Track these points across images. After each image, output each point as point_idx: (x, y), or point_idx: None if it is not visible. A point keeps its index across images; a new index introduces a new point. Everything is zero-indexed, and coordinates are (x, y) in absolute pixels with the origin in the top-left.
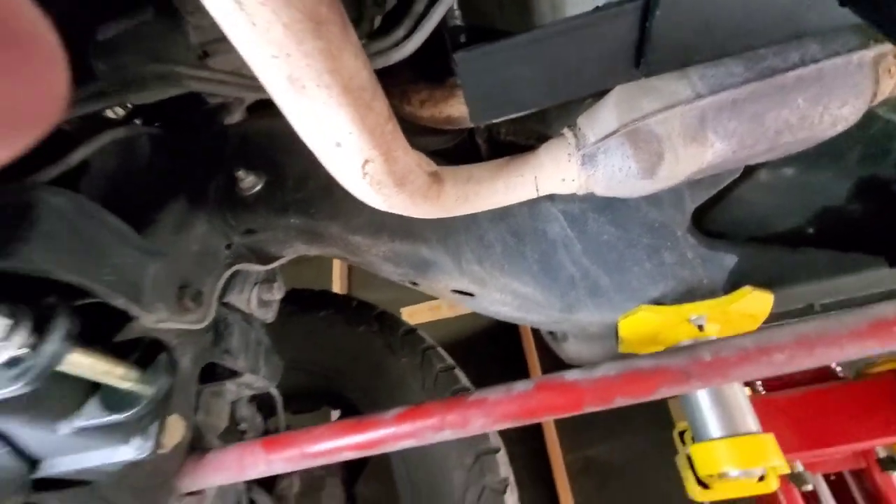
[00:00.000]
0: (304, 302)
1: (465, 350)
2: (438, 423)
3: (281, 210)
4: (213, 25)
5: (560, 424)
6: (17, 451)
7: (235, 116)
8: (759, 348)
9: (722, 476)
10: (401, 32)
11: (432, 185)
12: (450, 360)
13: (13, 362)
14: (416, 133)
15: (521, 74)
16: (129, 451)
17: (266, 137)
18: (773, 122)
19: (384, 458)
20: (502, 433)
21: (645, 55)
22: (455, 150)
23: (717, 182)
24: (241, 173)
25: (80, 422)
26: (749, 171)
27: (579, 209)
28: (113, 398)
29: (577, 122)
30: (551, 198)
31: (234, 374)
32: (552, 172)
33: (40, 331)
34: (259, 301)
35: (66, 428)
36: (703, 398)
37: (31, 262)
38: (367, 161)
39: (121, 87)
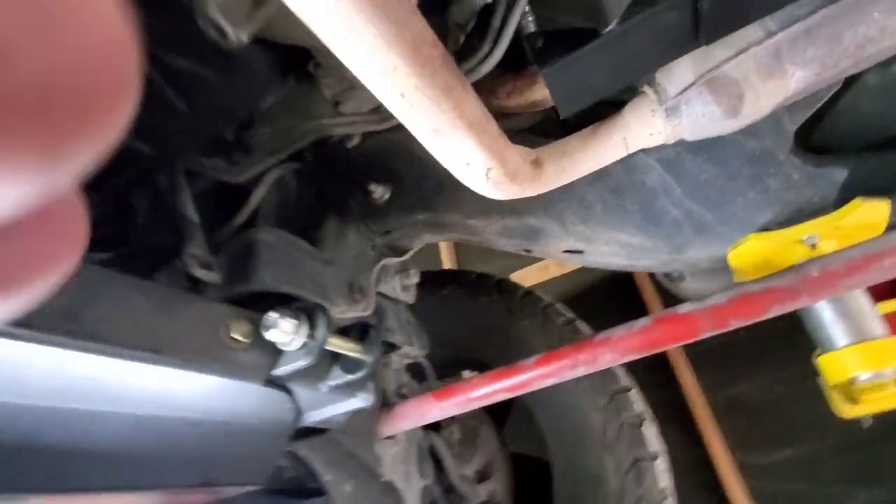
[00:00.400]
0: (430, 283)
1: (581, 304)
2: (572, 362)
3: (409, 210)
4: (340, 80)
5: (698, 368)
6: (296, 407)
7: (355, 140)
8: (867, 257)
9: (852, 382)
10: (485, 48)
11: (535, 170)
12: (570, 314)
13: (301, 346)
14: (507, 117)
15: (597, 68)
16: (357, 402)
17: (383, 153)
18: (852, 40)
19: (529, 411)
20: (639, 384)
21: (701, 30)
22: (542, 123)
23: (815, 100)
24: (372, 186)
25: (332, 382)
26: (852, 79)
27: (674, 153)
28: (349, 365)
29: (655, 77)
30: (644, 149)
31: (394, 347)
32: (639, 130)
33: (311, 325)
34: (401, 287)
35: (323, 388)
36: (824, 312)
37: (265, 283)
38: (489, 169)
39: (284, 145)
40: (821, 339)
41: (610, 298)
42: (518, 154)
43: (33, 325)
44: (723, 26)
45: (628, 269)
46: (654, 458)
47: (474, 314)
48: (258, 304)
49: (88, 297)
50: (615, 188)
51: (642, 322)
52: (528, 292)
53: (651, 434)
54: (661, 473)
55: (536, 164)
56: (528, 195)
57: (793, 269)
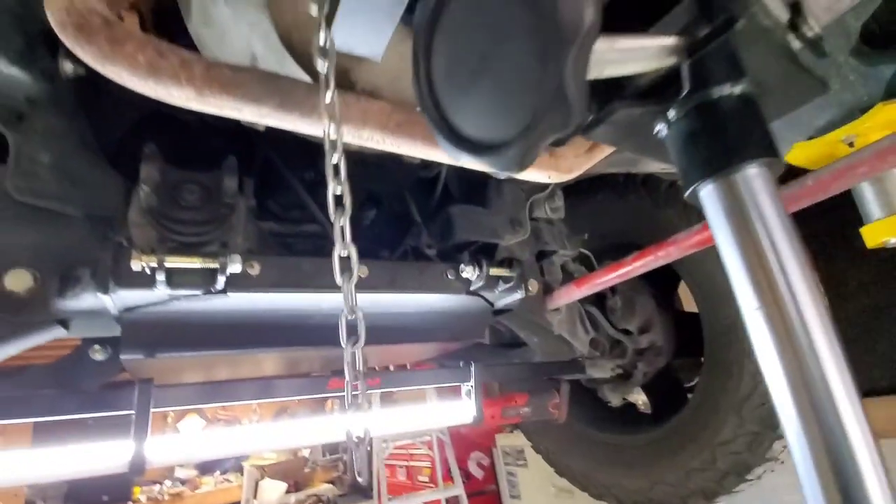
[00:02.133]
0: (585, 192)
1: None
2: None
3: None
4: None
5: None
6: (489, 302)
7: None
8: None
9: (884, 245)
10: None
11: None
12: None
13: (476, 277)
14: None
15: None
16: (517, 296)
17: None
18: None
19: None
20: None
21: None
22: None
23: None
24: None
25: (499, 289)
26: None
27: None
28: (507, 279)
29: None
30: None
31: (552, 252)
32: None
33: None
34: (551, 209)
35: (496, 292)
36: (866, 193)
37: (460, 237)
38: (549, 177)
39: None
40: (864, 214)
41: None
42: (562, 156)
43: (376, 286)
44: None
45: None
46: None
47: (627, 210)
48: (462, 251)
49: (396, 271)
50: None
51: None
52: (671, 184)
53: None
54: None
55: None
56: (595, 163)
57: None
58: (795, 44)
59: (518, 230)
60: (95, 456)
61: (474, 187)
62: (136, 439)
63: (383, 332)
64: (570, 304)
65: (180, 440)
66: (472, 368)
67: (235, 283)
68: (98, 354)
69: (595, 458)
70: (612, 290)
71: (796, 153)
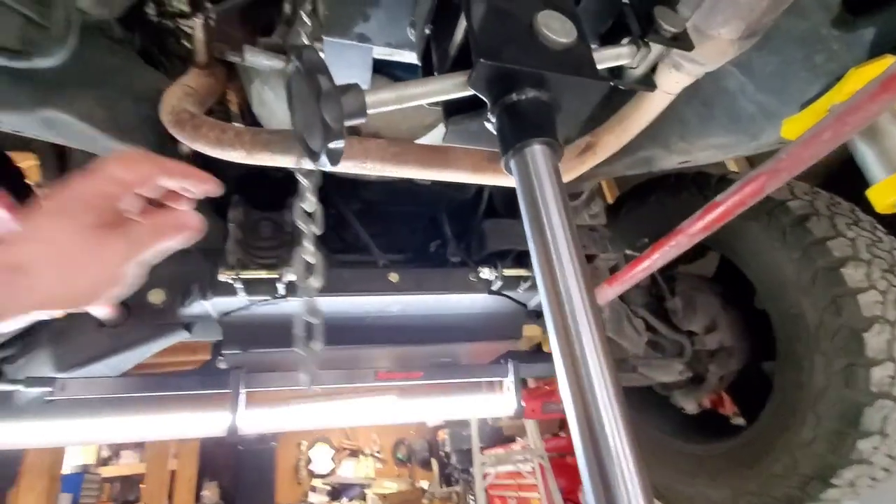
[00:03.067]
0: (635, 198)
1: None
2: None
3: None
4: None
5: None
6: (518, 300)
7: None
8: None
9: (893, 206)
10: None
11: (586, 152)
12: None
13: (495, 277)
14: None
15: None
16: None
17: None
18: None
19: None
20: None
21: None
22: None
23: None
24: None
25: (520, 289)
26: None
27: (745, 56)
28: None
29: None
30: None
31: (594, 256)
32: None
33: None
34: (589, 216)
35: (520, 290)
36: (867, 155)
37: (491, 248)
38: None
39: None
40: (868, 176)
41: None
42: (568, 151)
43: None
44: None
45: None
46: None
47: (681, 207)
48: (494, 260)
49: (423, 276)
50: (705, 100)
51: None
52: (721, 178)
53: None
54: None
55: (588, 147)
56: (588, 168)
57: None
58: None
59: None
60: (204, 422)
61: (511, 202)
62: (232, 412)
63: (426, 332)
64: (613, 305)
65: (262, 414)
66: (510, 363)
67: (293, 289)
68: (221, 364)
69: (676, 469)
70: (672, 290)
71: (788, 127)
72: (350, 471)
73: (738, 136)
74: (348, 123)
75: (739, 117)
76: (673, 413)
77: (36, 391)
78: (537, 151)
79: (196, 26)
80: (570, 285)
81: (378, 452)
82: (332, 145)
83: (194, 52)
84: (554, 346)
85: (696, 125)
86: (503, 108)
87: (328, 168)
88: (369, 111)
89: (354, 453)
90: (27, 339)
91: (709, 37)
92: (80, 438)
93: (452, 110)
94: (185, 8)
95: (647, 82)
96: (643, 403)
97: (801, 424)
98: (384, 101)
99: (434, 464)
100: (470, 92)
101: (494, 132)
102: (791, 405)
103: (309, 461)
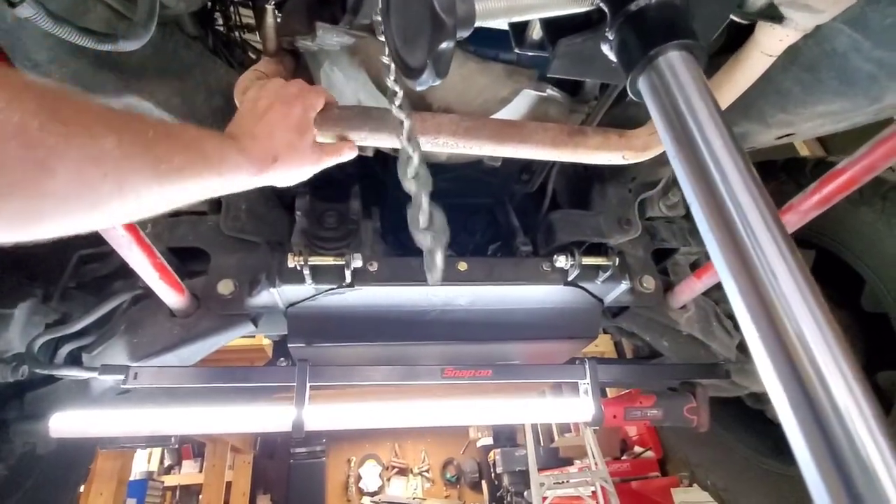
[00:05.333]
0: None
1: None
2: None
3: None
4: None
5: None
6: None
7: None
8: None
9: None
10: None
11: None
12: None
13: (570, 267)
14: None
15: None
16: (622, 286)
17: None
18: None
19: None
20: None
21: None
22: None
23: None
24: None
25: (598, 280)
26: None
27: (858, 10)
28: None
29: None
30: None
31: (675, 251)
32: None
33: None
34: (666, 207)
35: (598, 282)
36: None
37: (561, 240)
38: (624, 157)
39: None
40: None
41: None
42: (634, 136)
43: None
44: None
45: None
46: None
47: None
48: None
49: (493, 265)
50: (809, 65)
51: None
52: (819, 161)
53: None
54: None
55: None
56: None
57: None
58: None
59: (627, 229)
60: (269, 416)
61: (578, 194)
62: (297, 406)
63: (494, 328)
64: (700, 301)
65: (328, 411)
66: (587, 364)
67: (359, 277)
68: (283, 363)
69: (772, 494)
70: None
71: None
72: (399, 489)
73: (855, 101)
74: (458, 34)
75: (854, 79)
76: (769, 429)
77: (110, 378)
78: (675, 59)
79: (268, 12)
80: (750, 221)
81: (427, 472)
82: (442, 45)
83: (264, 41)
84: (741, 310)
85: (798, 94)
86: (627, 17)
87: (430, 83)
88: (477, 22)
89: (403, 472)
90: (104, 328)
91: None
92: (150, 429)
93: (558, 35)
94: (251, 20)
95: (773, 14)
96: (733, 417)
97: None
98: (494, 11)
99: (484, 485)
100: (586, 7)
101: (612, 56)
102: None
103: (359, 478)
